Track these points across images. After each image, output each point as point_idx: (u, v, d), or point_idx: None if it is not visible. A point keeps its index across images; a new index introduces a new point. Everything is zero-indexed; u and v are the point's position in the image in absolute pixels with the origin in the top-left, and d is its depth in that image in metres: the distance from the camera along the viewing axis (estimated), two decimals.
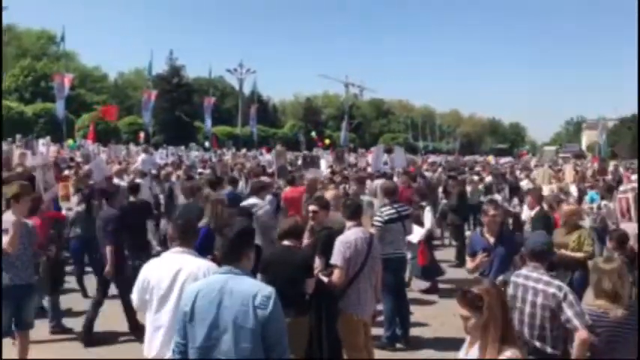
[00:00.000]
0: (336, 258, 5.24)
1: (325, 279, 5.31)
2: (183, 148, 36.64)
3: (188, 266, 3.81)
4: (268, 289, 2.97)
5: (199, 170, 17.66)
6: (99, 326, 7.05)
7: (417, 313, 8.07)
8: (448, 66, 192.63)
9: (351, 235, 5.38)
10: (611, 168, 21.18)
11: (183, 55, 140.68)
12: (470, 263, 5.70)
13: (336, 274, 5.24)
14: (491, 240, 5.55)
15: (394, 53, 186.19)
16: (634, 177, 18.50)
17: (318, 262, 5.47)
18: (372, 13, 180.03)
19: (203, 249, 4.96)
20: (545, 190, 14.89)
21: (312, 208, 6.10)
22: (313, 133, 54.36)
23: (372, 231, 6.84)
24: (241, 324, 2.89)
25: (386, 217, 7.13)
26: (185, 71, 68.20)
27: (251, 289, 2.95)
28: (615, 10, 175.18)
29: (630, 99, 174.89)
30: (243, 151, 37.61)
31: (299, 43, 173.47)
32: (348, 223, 5.58)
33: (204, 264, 3.85)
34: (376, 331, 6.71)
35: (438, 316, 8.08)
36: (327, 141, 46.44)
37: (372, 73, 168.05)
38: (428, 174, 18.38)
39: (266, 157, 28.33)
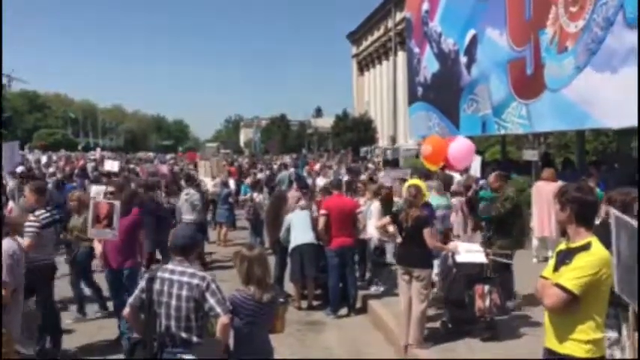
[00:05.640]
0: (4, 274, 4.56)
1: None
2: None
3: None
4: None
5: None
6: None
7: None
8: (109, 62, 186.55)
9: (11, 246, 4.76)
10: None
11: None
12: None
13: (5, 292, 4.57)
14: None
15: (48, 42, 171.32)
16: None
17: None
18: None
19: None
20: (209, 184, 15.62)
21: None
22: None
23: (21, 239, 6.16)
24: None
25: (43, 222, 6.46)
26: None
27: None
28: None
29: (279, 100, 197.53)
30: None
31: None
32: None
33: None
34: None
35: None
36: None
37: (23, 62, 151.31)
38: None
39: None
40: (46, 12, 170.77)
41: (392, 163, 10.23)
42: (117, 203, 6.83)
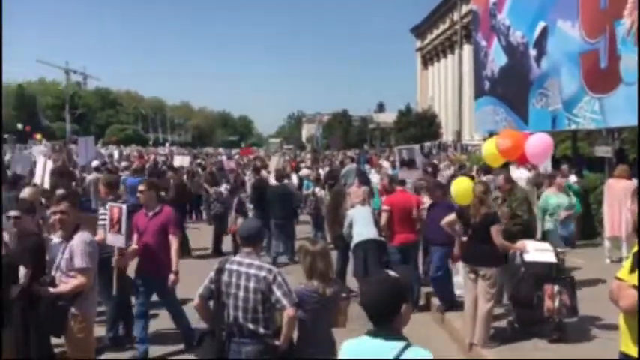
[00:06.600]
0: (85, 260, 4.85)
1: (54, 290, 4.82)
2: None
3: None
4: None
5: None
6: None
7: None
8: (179, 58, 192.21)
9: (88, 236, 5.04)
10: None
11: None
12: None
13: (84, 278, 4.85)
14: None
15: (120, 41, 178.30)
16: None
17: (23, 272, 4.97)
18: None
19: None
20: (272, 179, 15.85)
21: (12, 213, 5.48)
22: (20, 126, 49.19)
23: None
24: None
25: None
26: None
27: None
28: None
29: (341, 96, 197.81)
30: None
31: (8, 21, 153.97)
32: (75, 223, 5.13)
33: None
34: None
35: None
36: (38, 136, 41.97)
37: (97, 60, 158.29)
38: None
39: None
40: (120, 12, 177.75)
41: (408, 164, 10.11)
42: (124, 207, 6.35)
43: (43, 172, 10.99)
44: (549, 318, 6.38)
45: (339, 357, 2.77)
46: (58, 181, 10.31)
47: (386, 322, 2.61)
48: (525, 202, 7.55)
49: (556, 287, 6.29)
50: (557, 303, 6.24)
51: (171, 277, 6.33)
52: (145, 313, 6.50)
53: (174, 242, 6.43)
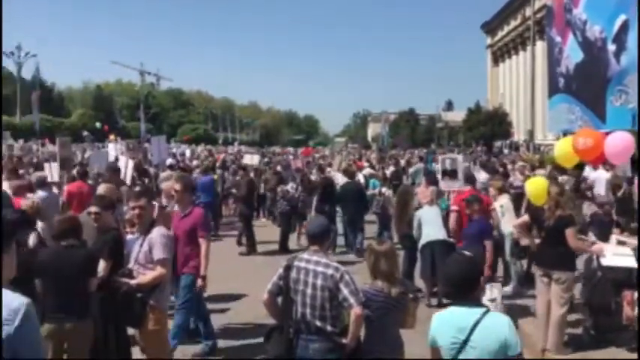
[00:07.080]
0: (165, 251, 5.10)
1: (134, 282, 5.02)
2: None
3: None
4: (18, 302, 2.43)
5: None
6: None
7: None
8: (247, 59, 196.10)
9: (165, 229, 5.32)
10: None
11: None
12: None
13: (164, 269, 5.09)
14: None
15: (191, 43, 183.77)
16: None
17: (103, 265, 5.17)
18: None
19: None
20: (339, 178, 15.87)
21: (93, 209, 5.69)
22: (98, 124, 51.57)
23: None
24: None
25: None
26: None
27: None
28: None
29: (407, 94, 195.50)
30: (20, 142, 33.79)
31: (88, 25, 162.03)
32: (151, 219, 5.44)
33: None
34: None
35: None
36: (111, 137, 43.72)
37: (169, 61, 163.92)
38: None
39: (49, 148, 26.01)
40: (191, 15, 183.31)
41: (450, 174, 9.81)
42: (156, 204, 6.39)
43: (125, 170, 11.55)
44: (629, 326, 6.08)
45: (432, 327, 3.17)
46: (113, 178, 10.59)
47: (468, 295, 3.09)
48: (571, 200, 7.25)
49: (636, 294, 5.98)
50: (637, 311, 5.94)
51: (199, 282, 6.18)
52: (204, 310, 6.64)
53: (203, 245, 6.21)
